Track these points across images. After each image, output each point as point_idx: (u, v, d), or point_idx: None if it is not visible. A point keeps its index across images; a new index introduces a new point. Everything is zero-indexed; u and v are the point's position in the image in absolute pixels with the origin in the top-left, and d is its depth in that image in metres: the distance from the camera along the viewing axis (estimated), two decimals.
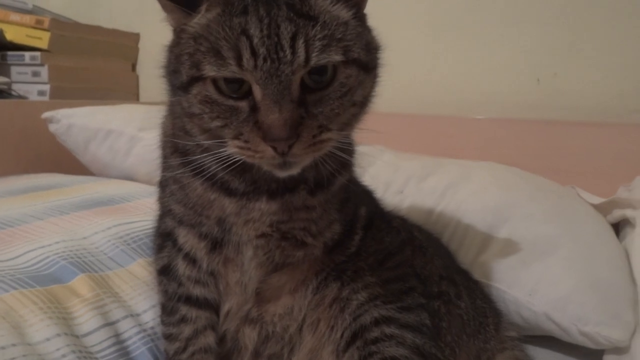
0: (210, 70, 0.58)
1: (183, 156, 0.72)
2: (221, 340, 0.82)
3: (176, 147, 0.74)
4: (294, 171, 0.63)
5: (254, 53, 0.56)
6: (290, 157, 0.59)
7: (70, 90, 1.93)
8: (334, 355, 0.77)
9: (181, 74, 0.61)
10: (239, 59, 0.56)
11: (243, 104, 0.59)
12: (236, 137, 0.60)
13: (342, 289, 0.78)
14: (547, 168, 1.41)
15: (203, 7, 0.60)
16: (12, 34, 1.88)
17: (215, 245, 0.76)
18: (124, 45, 2.21)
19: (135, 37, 2.25)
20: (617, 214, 1.22)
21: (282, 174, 0.64)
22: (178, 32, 0.63)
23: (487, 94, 1.71)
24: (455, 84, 1.75)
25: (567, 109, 1.61)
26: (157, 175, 1.33)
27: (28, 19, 1.88)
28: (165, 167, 0.78)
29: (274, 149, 0.58)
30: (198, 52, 0.59)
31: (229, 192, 0.71)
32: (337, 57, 0.58)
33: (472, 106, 1.71)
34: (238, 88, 0.59)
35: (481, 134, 1.65)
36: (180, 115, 0.68)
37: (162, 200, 0.81)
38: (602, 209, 1.24)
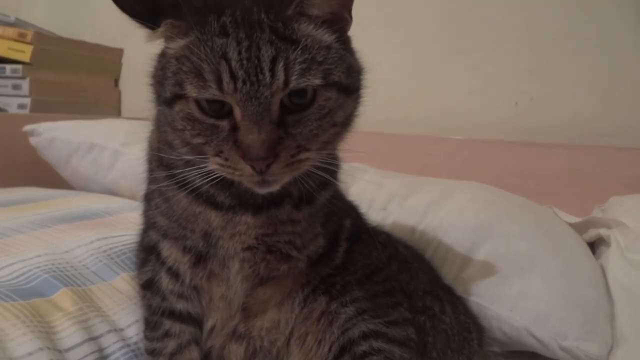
0: (192, 91, 0.59)
1: (168, 169, 0.72)
2: (206, 357, 0.81)
3: (161, 160, 0.74)
4: (273, 188, 0.64)
5: (233, 76, 0.57)
6: (268, 176, 0.60)
7: (52, 104, 1.91)
8: None
9: (165, 89, 0.62)
10: (219, 82, 0.57)
11: (224, 123, 0.60)
12: (217, 155, 0.61)
13: (330, 303, 0.78)
14: (524, 189, 1.44)
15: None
16: None
17: (199, 259, 0.75)
18: (107, 61, 2.21)
19: (118, 53, 2.24)
20: (592, 233, 1.26)
21: (262, 190, 0.65)
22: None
23: (466, 116, 1.76)
24: (436, 106, 1.79)
25: (543, 132, 1.66)
26: (140, 189, 1.33)
27: (10, 31, 1.86)
28: (151, 180, 0.78)
29: (253, 167, 0.59)
30: (181, 72, 0.60)
31: (214, 205, 0.72)
32: (316, 81, 0.59)
33: (452, 127, 1.75)
34: (220, 108, 0.60)
35: (460, 154, 1.69)
36: (164, 124, 0.69)
37: (147, 213, 0.81)
38: (579, 228, 1.27)
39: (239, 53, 0.57)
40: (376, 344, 0.76)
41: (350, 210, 0.93)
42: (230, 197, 0.71)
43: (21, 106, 1.86)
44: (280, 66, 0.57)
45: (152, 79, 0.67)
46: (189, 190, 0.70)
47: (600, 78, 1.59)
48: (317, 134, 0.62)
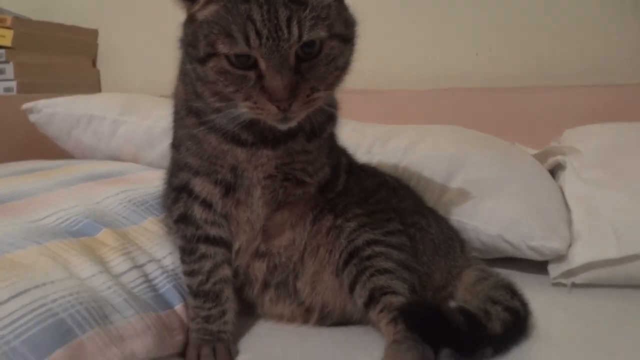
0: (223, 48, 0.72)
1: (197, 116, 0.85)
2: (234, 275, 0.95)
3: (190, 108, 0.86)
4: (293, 124, 0.78)
5: (258, 34, 0.70)
6: (290, 113, 0.74)
7: (36, 86, 1.97)
8: (333, 275, 0.92)
9: (198, 50, 0.75)
10: (247, 39, 0.70)
11: (251, 73, 0.73)
12: (246, 100, 0.75)
13: (336, 219, 0.94)
14: (488, 131, 1.59)
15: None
16: None
17: (228, 190, 0.89)
18: (83, 42, 2.26)
19: (93, 33, 2.30)
20: (551, 160, 1.44)
21: (283, 126, 0.79)
22: (191, 15, 0.76)
23: (431, 68, 1.91)
24: (400, 61, 1.93)
25: (502, 78, 1.83)
26: (143, 154, 1.44)
27: None
28: (181, 126, 0.90)
29: (278, 107, 0.73)
30: (212, 34, 0.72)
31: (239, 143, 0.85)
32: (323, 34, 0.73)
33: (418, 79, 1.90)
34: (246, 61, 0.73)
35: (428, 104, 1.83)
36: (193, 81, 0.82)
37: (176, 158, 0.93)
38: (539, 158, 1.45)
39: (262, 15, 0.70)
40: (377, 248, 0.91)
41: (344, 151, 1.08)
42: (252, 135, 0.84)
43: (7, 89, 1.92)
44: (294, 24, 0.70)
45: (182, 43, 0.80)
46: (217, 132, 0.83)
47: (551, 26, 1.77)
48: (325, 77, 0.77)
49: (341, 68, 0.80)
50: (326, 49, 0.75)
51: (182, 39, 0.80)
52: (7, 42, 1.91)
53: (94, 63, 2.33)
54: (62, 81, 2.12)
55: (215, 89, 0.77)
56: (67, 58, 2.18)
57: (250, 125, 0.82)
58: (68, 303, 0.72)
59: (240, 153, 0.85)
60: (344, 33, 0.77)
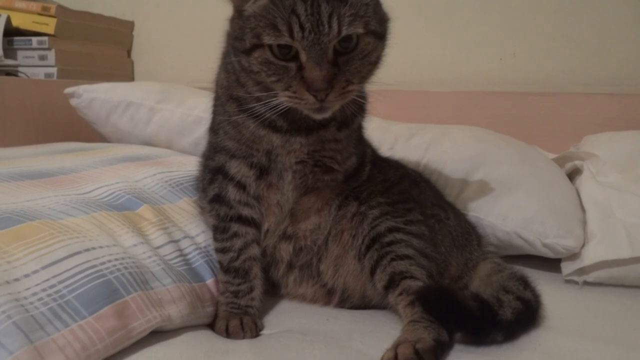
0: (269, 39, 0.78)
1: (237, 103, 0.92)
2: (262, 254, 1.01)
3: (231, 96, 0.93)
4: (327, 114, 0.85)
5: (301, 27, 0.76)
6: (326, 103, 0.81)
7: (74, 73, 2.06)
8: (355, 259, 0.98)
9: (244, 41, 0.81)
10: (290, 32, 0.77)
11: (292, 65, 0.80)
12: (286, 89, 0.81)
13: (360, 206, 0.99)
14: (508, 133, 1.64)
15: None
16: (18, 21, 1.99)
17: (262, 173, 0.95)
18: (120, 33, 2.35)
19: (130, 25, 2.39)
20: (569, 165, 1.48)
21: (319, 116, 0.85)
22: (239, 11, 0.83)
23: (456, 71, 1.95)
24: (429, 63, 1.98)
25: (524, 83, 1.87)
26: (177, 140, 1.52)
27: (34, 6, 2.00)
28: (221, 112, 0.96)
29: (315, 97, 0.79)
30: (258, 27, 0.79)
31: (275, 129, 0.92)
32: (359, 30, 0.79)
33: (443, 81, 1.95)
34: (288, 52, 0.79)
35: (451, 106, 1.88)
36: (236, 72, 0.89)
37: (214, 141, 0.99)
38: (558, 162, 1.48)
39: (305, 10, 0.76)
40: (398, 235, 0.97)
41: (369, 143, 1.14)
42: (287, 122, 0.91)
43: (48, 75, 2.01)
44: (334, 19, 0.77)
45: (229, 37, 0.88)
46: (255, 118, 0.89)
47: (574, 33, 1.80)
48: (360, 70, 0.83)
49: (374, 62, 0.86)
50: (362, 44, 0.81)
51: (229, 33, 0.87)
52: (51, 29, 2.00)
53: (128, 53, 2.42)
54: (98, 69, 2.21)
55: (258, 78, 0.83)
56: (104, 47, 2.27)
57: (287, 113, 0.88)
58: (114, 267, 0.79)
59: (276, 139, 0.92)
60: (379, 30, 0.83)
